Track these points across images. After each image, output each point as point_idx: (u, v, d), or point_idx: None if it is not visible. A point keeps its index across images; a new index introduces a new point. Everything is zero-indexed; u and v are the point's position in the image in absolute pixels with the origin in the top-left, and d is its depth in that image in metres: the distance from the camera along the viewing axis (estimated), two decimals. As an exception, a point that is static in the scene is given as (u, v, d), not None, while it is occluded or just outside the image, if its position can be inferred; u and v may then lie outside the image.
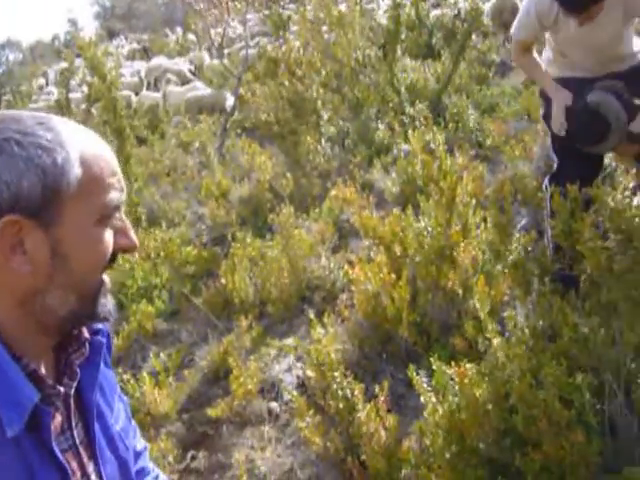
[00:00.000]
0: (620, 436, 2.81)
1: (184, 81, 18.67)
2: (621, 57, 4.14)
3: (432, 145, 4.29)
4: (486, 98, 8.50)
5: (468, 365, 3.12)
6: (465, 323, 3.62)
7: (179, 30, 34.28)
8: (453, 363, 3.09)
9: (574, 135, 3.84)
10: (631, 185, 2.52)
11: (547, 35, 4.24)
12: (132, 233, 1.34)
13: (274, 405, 4.53)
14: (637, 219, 2.48)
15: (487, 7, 11.43)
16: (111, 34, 46.30)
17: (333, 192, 5.06)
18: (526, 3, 4.16)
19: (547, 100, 4.32)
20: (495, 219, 3.49)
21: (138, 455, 1.66)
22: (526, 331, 2.97)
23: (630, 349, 2.65)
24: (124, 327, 5.64)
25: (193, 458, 4.25)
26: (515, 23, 4.24)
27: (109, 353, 1.54)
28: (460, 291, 4.12)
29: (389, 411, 3.53)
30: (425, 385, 3.15)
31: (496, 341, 3.09)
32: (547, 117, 4.30)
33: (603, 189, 2.60)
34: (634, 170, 4.05)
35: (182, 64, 21.21)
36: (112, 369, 1.58)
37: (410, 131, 4.65)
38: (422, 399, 3.11)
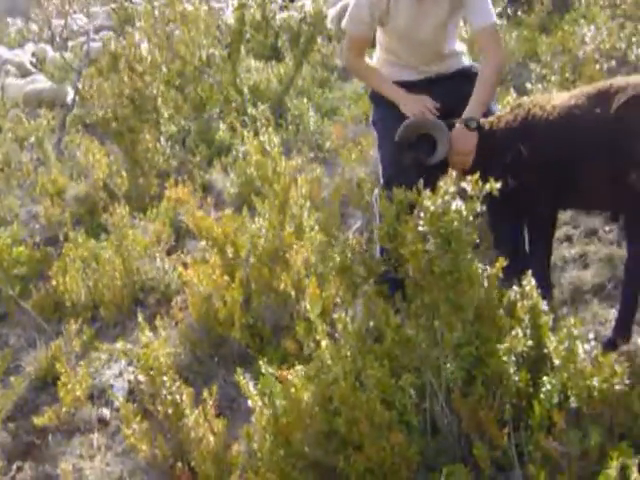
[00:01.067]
0: (441, 435, 2.85)
1: (25, 73, 17.88)
2: (445, 55, 4.21)
3: (267, 147, 4.25)
4: (328, 101, 8.58)
5: (297, 367, 3.13)
6: (297, 325, 3.61)
7: (19, 21, 32.87)
8: (281, 366, 3.08)
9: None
10: (451, 190, 2.56)
11: (377, 34, 4.23)
12: None
13: (104, 412, 4.39)
14: (455, 222, 2.53)
15: (332, 12, 11.54)
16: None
17: (167, 192, 4.95)
18: None
19: (376, 106, 4.36)
20: (323, 222, 3.49)
21: None
22: (352, 333, 2.98)
23: (450, 349, 2.70)
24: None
25: (19, 469, 4.08)
26: (346, 16, 4.16)
27: None
28: (293, 293, 4.12)
29: (218, 415, 3.48)
30: (252, 389, 3.12)
31: (324, 343, 3.09)
32: (376, 123, 4.35)
33: (424, 193, 2.63)
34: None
35: (23, 55, 20.31)
36: None
37: (246, 132, 4.60)
38: (250, 403, 3.09)
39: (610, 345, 3.39)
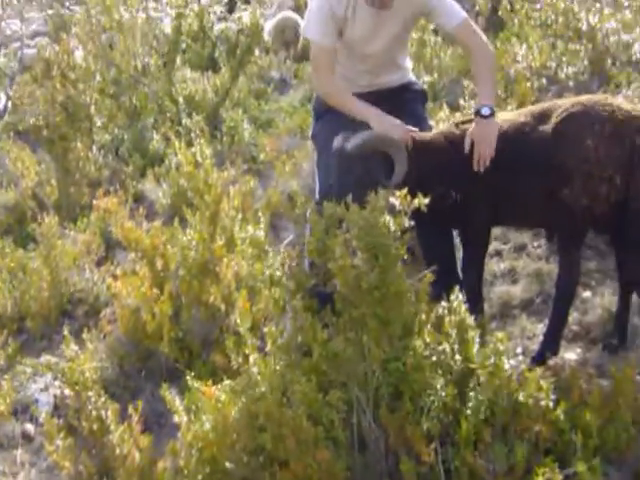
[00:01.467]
0: (369, 451, 2.84)
1: (-42, 78, 17.46)
2: (396, 66, 4.21)
3: (199, 158, 4.19)
4: (264, 113, 8.56)
5: (225, 382, 3.09)
6: (227, 339, 3.56)
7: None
8: (210, 381, 3.04)
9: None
10: (379, 204, 2.55)
11: None
12: None
13: (28, 427, 4.26)
14: (383, 237, 2.53)
15: (269, 24, 11.53)
16: None
17: (95, 202, 4.86)
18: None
19: (317, 119, 4.32)
20: (252, 235, 3.46)
21: None
22: (281, 348, 2.95)
23: (377, 364, 2.69)
24: None
25: (-62, 487, 3.91)
26: (309, 27, 4.04)
27: None
28: (223, 306, 4.07)
29: (145, 431, 3.41)
30: (179, 404, 3.07)
31: (252, 357, 3.06)
32: (316, 136, 4.31)
33: (352, 207, 2.62)
34: None
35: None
36: None
37: (177, 143, 4.54)
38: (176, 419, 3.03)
39: (539, 360, 3.42)
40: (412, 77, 4.44)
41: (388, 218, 2.58)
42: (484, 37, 3.93)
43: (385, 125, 3.74)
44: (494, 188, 3.56)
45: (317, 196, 4.11)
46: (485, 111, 3.60)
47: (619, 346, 3.58)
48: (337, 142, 3.73)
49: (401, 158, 3.64)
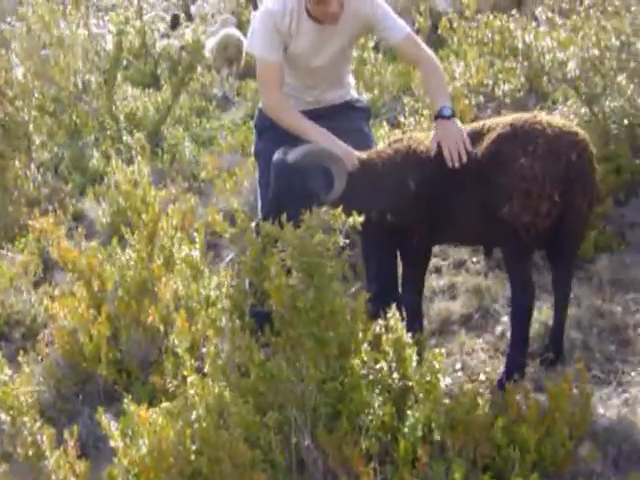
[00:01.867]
0: (307, 472, 2.81)
1: None
2: (340, 82, 4.22)
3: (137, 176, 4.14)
4: (205, 131, 8.53)
5: (164, 405, 3.03)
6: (166, 360, 3.51)
7: None
8: (149, 403, 2.98)
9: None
10: (314, 223, 2.54)
11: None
12: None
13: (-38, 453, 4.14)
14: (318, 257, 2.51)
15: (212, 41, 11.51)
16: None
17: (30, 222, 4.76)
18: (258, 15, 4.02)
19: (260, 136, 4.29)
20: (186, 255, 3.42)
21: None
22: (218, 369, 2.91)
23: (314, 384, 2.67)
24: None
25: None
26: (255, 43, 4.02)
27: None
28: (161, 327, 4.01)
29: (81, 456, 3.33)
30: (115, 428, 3.00)
31: (190, 379, 3.01)
32: (258, 154, 4.28)
33: (287, 227, 2.60)
34: None
35: None
36: None
37: (114, 161, 4.49)
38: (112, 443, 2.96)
39: (504, 383, 3.35)
40: (355, 94, 4.45)
41: (323, 237, 2.56)
42: (429, 50, 4.00)
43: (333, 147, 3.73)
44: (430, 208, 3.56)
45: (259, 214, 4.10)
46: (446, 112, 3.64)
47: (556, 360, 3.60)
48: (277, 155, 3.71)
49: (341, 174, 3.64)
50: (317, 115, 4.01)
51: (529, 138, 3.30)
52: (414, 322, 3.67)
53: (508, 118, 3.49)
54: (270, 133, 4.09)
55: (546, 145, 3.28)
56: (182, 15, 18.92)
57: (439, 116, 3.65)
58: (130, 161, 6.64)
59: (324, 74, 4.10)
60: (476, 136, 3.50)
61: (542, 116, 3.43)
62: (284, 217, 2.73)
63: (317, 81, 4.13)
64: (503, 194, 3.30)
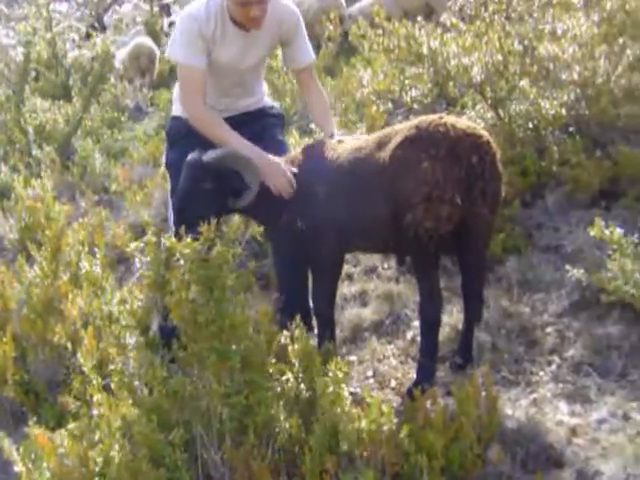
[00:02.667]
0: (216, 488, 2.77)
1: None
2: (253, 90, 4.22)
3: (38, 191, 4.03)
4: (117, 142, 8.37)
5: (70, 426, 2.96)
6: (74, 379, 3.42)
7: None
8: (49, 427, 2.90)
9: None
10: (211, 235, 2.50)
11: None
12: None
13: None
14: (216, 269, 2.47)
15: (123, 52, 11.35)
16: None
17: None
18: (180, 20, 3.94)
19: (172, 146, 4.21)
20: (87, 271, 3.34)
21: None
22: (122, 387, 2.85)
23: (218, 399, 2.62)
24: None
25: None
26: (177, 48, 3.90)
27: None
28: (69, 345, 3.91)
29: (-14, 483, 3.23)
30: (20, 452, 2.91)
31: (96, 398, 2.94)
32: (170, 164, 4.19)
33: (184, 240, 2.55)
34: None
35: None
36: None
37: (16, 176, 4.36)
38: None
39: (413, 392, 3.36)
40: (269, 101, 4.43)
41: (222, 249, 2.52)
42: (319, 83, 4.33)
43: (269, 172, 3.70)
44: (339, 216, 3.52)
45: (171, 225, 4.01)
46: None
47: (465, 364, 3.60)
48: (191, 156, 3.67)
49: (253, 180, 3.62)
50: (232, 122, 3.96)
51: (432, 141, 3.27)
52: (326, 331, 3.65)
53: (415, 121, 3.48)
54: (183, 143, 3.99)
55: (448, 148, 3.24)
56: (95, 25, 18.65)
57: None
58: (39, 175, 6.49)
59: (242, 82, 4.10)
60: (384, 140, 3.48)
61: (448, 118, 3.41)
62: (183, 229, 2.68)
63: (232, 89, 4.10)
64: (406, 200, 3.27)
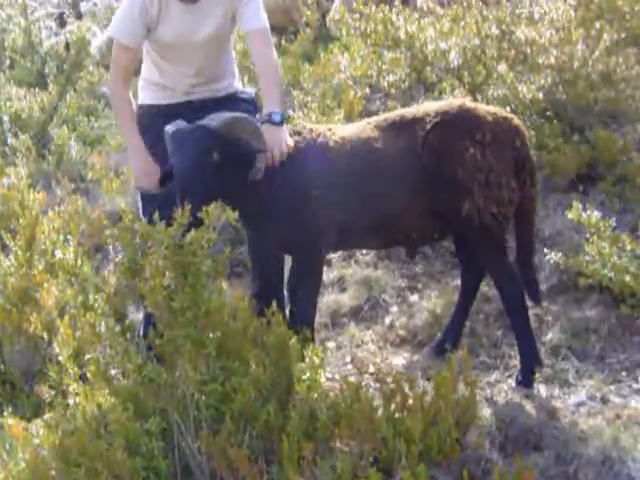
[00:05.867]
0: (194, 477, 2.75)
1: None
2: (221, 72, 4.09)
3: (12, 180, 3.98)
4: (93, 130, 8.28)
5: (45, 416, 2.94)
6: (50, 369, 3.38)
7: None
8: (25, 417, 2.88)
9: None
10: (185, 221, 2.47)
11: (145, 50, 3.96)
12: None
13: None
14: (191, 255, 2.45)
15: (100, 39, 11.22)
16: None
17: None
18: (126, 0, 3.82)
19: (143, 133, 4.11)
20: (60, 259, 3.30)
21: None
22: (98, 376, 2.82)
23: (194, 388, 2.60)
24: None
25: None
26: (115, 23, 3.84)
27: None
28: (45, 335, 3.87)
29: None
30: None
31: (72, 387, 2.92)
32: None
33: (158, 225, 2.52)
34: None
35: None
36: None
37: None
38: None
39: (527, 382, 3.39)
40: (240, 86, 4.35)
41: (196, 234, 2.49)
42: (274, 54, 3.92)
43: (136, 162, 3.75)
44: (342, 213, 3.37)
45: (141, 215, 3.94)
46: (276, 118, 3.53)
47: (452, 350, 3.55)
48: (171, 127, 3.44)
49: (262, 147, 3.34)
50: (202, 106, 3.89)
51: (473, 126, 3.28)
52: (306, 318, 3.56)
53: (433, 107, 3.43)
54: (153, 129, 3.84)
55: (492, 132, 3.27)
56: (71, 12, 18.42)
57: (268, 121, 3.55)
58: (15, 164, 6.42)
59: (199, 62, 3.94)
60: (399, 127, 3.39)
61: (469, 102, 3.41)
62: (156, 215, 2.63)
63: (192, 69, 3.96)
64: (460, 190, 3.25)
